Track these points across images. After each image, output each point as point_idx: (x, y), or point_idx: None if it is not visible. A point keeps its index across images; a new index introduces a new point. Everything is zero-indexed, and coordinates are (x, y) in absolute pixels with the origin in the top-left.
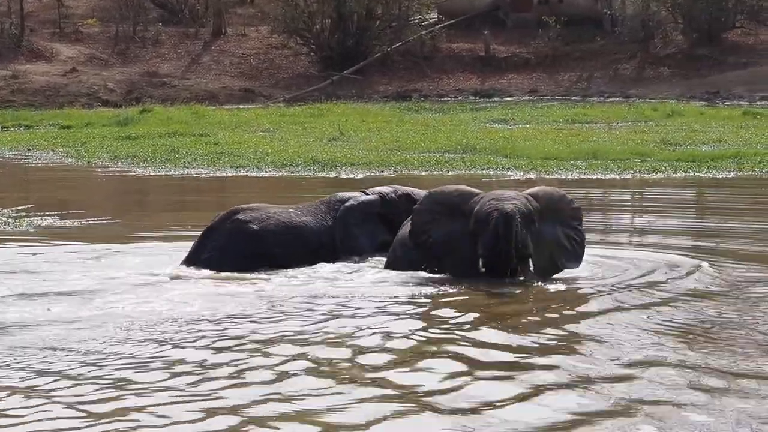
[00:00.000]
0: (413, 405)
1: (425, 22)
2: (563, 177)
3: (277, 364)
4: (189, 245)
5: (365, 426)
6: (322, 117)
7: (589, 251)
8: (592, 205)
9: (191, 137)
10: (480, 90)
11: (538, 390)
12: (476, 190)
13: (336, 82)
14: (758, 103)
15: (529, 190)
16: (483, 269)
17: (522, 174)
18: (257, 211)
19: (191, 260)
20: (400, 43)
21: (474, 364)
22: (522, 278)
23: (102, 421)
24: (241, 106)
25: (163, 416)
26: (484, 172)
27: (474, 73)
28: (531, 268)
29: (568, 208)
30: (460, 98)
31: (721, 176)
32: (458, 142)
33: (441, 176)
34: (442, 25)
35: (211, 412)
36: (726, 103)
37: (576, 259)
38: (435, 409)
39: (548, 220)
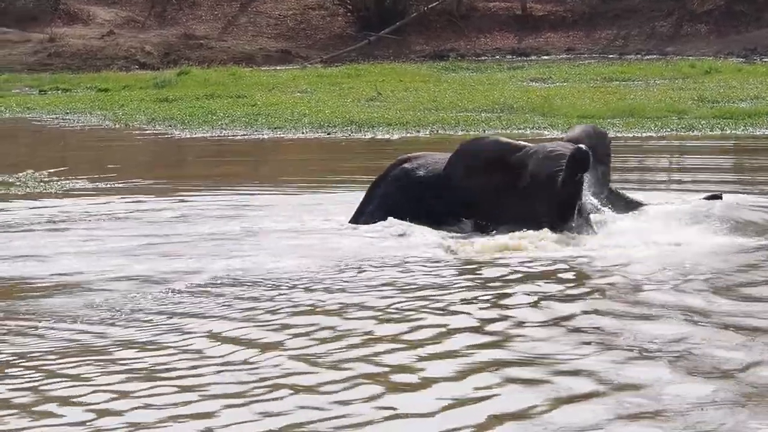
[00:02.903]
0: (544, 367)
1: None
2: None
3: (437, 325)
4: None
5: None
6: (359, 77)
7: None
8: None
9: (229, 99)
10: (517, 49)
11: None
12: (517, 142)
13: (373, 43)
14: None
15: (570, 136)
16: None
17: (559, 133)
18: (424, 158)
19: (359, 210)
20: (437, 2)
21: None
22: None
23: (246, 376)
24: (278, 68)
25: (308, 374)
26: (521, 131)
27: (511, 32)
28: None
29: (604, 144)
30: (497, 57)
31: (758, 133)
32: (495, 101)
33: (477, 135)
34: None
35: (361, 373)
36: (764, 59)
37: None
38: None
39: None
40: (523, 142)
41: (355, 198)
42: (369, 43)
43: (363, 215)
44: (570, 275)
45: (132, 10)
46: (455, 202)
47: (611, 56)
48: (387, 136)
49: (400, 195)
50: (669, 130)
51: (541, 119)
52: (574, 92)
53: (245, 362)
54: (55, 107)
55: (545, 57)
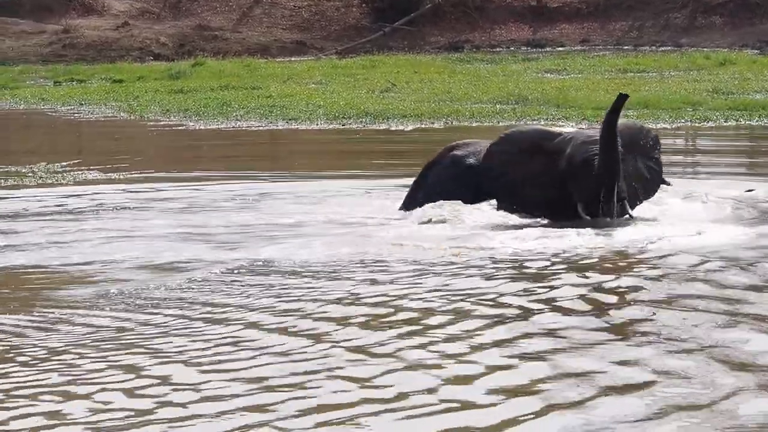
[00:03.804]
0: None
1: None
2: None
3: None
4: None
5: None
6: (374, 69)
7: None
8: None
9: (243, 90)
10: (532, 40)
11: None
12: (556, 129)
13: (388, 34)
14: None
15: None
16: (585, 215)
17: (573, 124)
18: (473, 145)
19: (410, 198)
20: None
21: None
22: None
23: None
24: (293, 59)
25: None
26: (535, 122)
27: (526, 24)
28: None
29: (647, 139)
30: (512, 49)
31: None
32: (510, 92)
33: (492, 127)
34: None
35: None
36: None
37: (655, 188)
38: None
39: (630, 154)
40: (561, 130)
41: (366, 185)
42: (384, 35)
43: (414, 203)
44: (665, 260)
45: (147, 2)
46: (495, 189)
47: (626, 48)
48: (401, 127)
49: (450, 182)
50: (683, 121)
51: (556, 111)
52: (588, 84)
53: (285, 352)
54: (69, 98)
55: (560, 48)
